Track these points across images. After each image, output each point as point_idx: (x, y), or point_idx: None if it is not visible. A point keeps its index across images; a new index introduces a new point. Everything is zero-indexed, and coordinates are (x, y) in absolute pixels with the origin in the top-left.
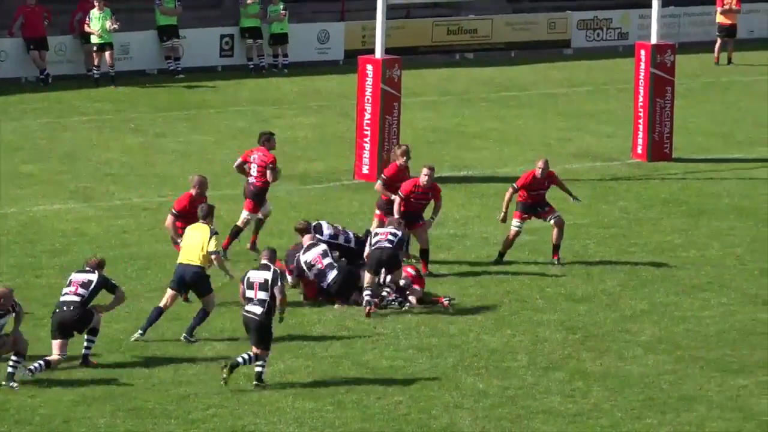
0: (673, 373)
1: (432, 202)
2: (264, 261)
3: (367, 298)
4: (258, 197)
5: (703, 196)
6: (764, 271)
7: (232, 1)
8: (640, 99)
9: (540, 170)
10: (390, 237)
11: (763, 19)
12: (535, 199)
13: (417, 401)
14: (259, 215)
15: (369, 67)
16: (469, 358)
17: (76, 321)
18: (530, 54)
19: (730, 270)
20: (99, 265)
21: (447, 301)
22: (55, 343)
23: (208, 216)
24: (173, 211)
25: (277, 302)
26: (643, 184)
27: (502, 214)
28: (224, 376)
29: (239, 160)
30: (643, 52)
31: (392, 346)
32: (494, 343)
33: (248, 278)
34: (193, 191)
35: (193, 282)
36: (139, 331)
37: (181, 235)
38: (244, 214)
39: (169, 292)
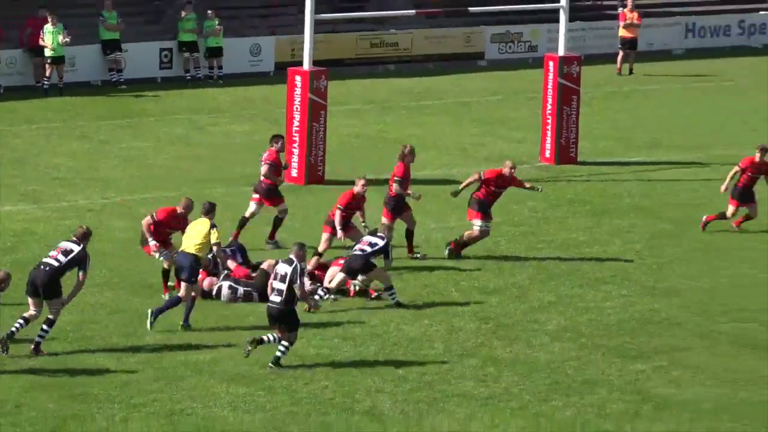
0: (577, 359)
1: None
2: (290, 256)
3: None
4: (263, 193)
5: (605, 197)
6: (661, 265)
7: (171, 17)
8: (548, 107)
9: (509, 169)
10: (365, 246)
11: (661, 33)
12: (496, 197)
13: (342, 386)
14: (276, 212)
15: (297, 78)
16: (390, 346)
17: (45, 284)
18: (447, 65)
19: (630, 264)
20: (84, 236)
21: (376, 294)
22: (30, 301)
23: (210, 212)
24: (154, 216)
25: (298, 295)
26: (551, 185)
27: (461, 188)
28: (248, 348)
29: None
30: (551, 64)
31: (319, 335)
32: (413, 333)
33: (276, 270)
34: (179, 209)
35: (183, 267)
36: (150, 318)
37: (152, 236)
38: (252, 206)
39: (180, 284)
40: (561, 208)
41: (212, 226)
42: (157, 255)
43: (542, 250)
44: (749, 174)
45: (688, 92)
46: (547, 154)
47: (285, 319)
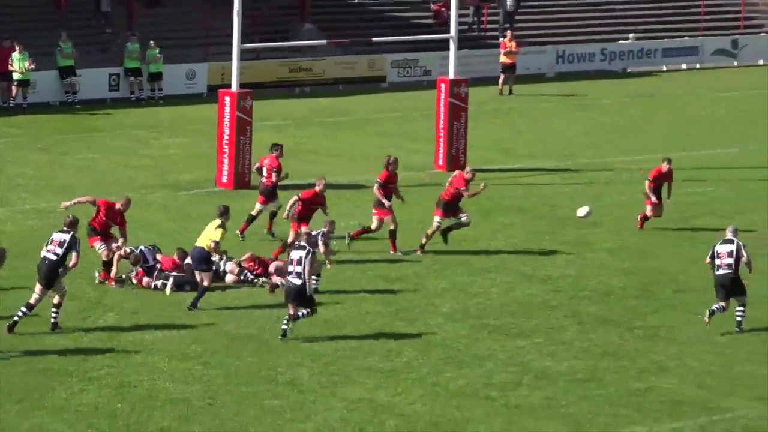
0: (467, 337)
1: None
2: (302, 243)
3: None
4: (267, 193)
5: (490, 198)
6: (537, 257)
7: (118, 47)
8: (441, 122)
9: (470, 174)
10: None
11: (536, 59)
12: (457, 200)
13: (267, 361)
14: (272, 207)
15: (227, 99)
16: (308, 327)
17: (47, 275)
18: (354, 87)
19: (511, 256)
20: (71, 224)
21: (267, 285)
22: (37, 288)
23: (223, 214)
24: (96, 202)
25: (305, 273)
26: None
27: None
28: (279, 337)
29: (257, 164)
30: (443, 86)
31: (247, 318)
32: (327, 315)
33: (291, 257)
34: (117, 205)
35: (198, 259)
36: (189, 306)
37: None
38: (258, 206)
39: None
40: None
41: (220, 225)
42: (96, 246)
43: (437, 245)
44: (656, 182)
45: (559, 109)
46: (440, 162)
47: (299, 298)
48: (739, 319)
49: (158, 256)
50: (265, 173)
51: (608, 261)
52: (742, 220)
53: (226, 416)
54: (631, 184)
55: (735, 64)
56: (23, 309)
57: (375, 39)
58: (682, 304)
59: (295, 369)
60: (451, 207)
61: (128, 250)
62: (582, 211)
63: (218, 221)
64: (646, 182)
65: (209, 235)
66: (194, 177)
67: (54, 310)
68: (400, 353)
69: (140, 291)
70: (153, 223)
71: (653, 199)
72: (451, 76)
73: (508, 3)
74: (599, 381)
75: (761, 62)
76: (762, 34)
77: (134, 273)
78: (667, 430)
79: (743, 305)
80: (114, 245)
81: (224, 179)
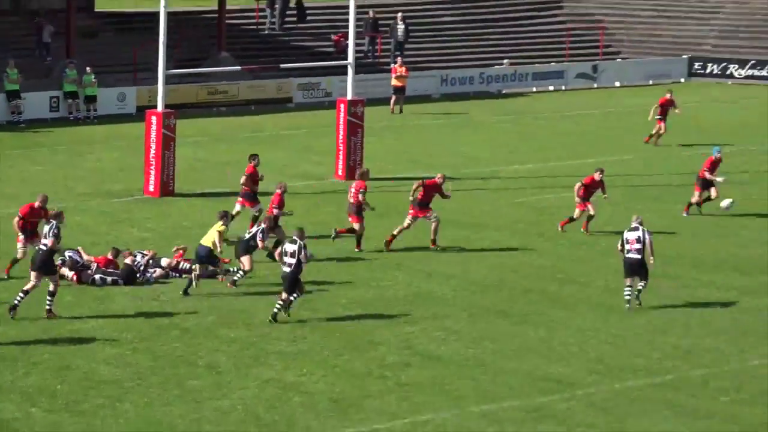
0: (364, 324)
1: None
2: (294, 237)
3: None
4: (244, 197)
5: (386, 203)
6: (428, 253)
7: (58, 73)
8: (340, 137)
9: (440, 179)
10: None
11: (423, 82)
12: (428, 200)
13: (189, 346)
14: (254, 211)
15: (153, 118)
16: (225, 316)
17: (42, 263)
18: (265, 107)
19: (407, 253)
20: (54, 216)
21: (221, 278)
22: (32, 274)
23: (223, 218)
24: (19, 214)
25: (303, 263)
26: (341, 196)
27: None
28: (269, 319)
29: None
30: (342, 106)
31: (172, 307)
32: (242, 306)
33: (284, 249)
34: (36, 203)
35: (202, 256)
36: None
37: (21, 230)
38: (237, 207)
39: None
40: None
41: (223, 224)
42: (18, 246)
43: (345, 244)
44: (589, 188)
45: (443, 126)
46: (340, 172)
47: (294, 282)
48: (636, 292)
49: (85, 256)
50: (242, 180)
51: (493, 258)
52: (601, 219)
53: (152, 395)
54: (507, 190)
55: (595, 86)
56: (20, 295)
57: (283, 65)
58: (550, 294)
59: (214, 354)
60: (425, 205)
61: (61, 261)
62: (726, 203)
63: (220, 223)
64: (578, 185)
65: (211, 235)
66: (125, 186)
67: (48, 297)
68: (305, 339)
69: (78, 287)
70: (89, 226)
71: (578, 200)
72: (349, 97)
73: (398, 33)
74: (478, 362)
75: (617, 84)
76: (618, 59)
77: (71, 276)
78: (536, 404)
79: (645, 283)
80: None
81: (151, 188)
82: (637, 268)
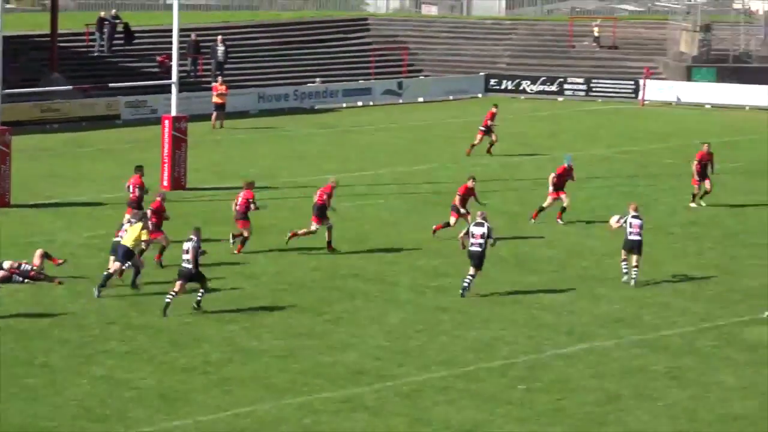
0: (189, 324)
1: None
2: (191, 236)
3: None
4: (131, 204)
5: (206, 211)
6: (245, 256)
7: None
8: (166, 151)
9: (334, 183)
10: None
11: (242, 99)
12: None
13: (24, 348)
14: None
15: None
16: (58, 318)
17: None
18: (95, 124)
19: (222, 257)
20: (134, 215)
21: (58, 281)
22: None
23: (142, 219)
24: None
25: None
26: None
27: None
28: (163, 308)
29: (127, 183)
30: (167, 122)
31: (8, 310)
32: (73, 309)
33: (183, 247)
34: None
35: (122, 254)
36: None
37: None
38: (126, 216)
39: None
40: (174, 220)
41: (143, 228)
42: None
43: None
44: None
45: (261, 139)
46: (165, 183)
47: (196, 276)
48: (466, 284)
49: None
50: (130, 190)
51: (302, 260)
52: (407, 224)
53: None
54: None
55: (400, 101)
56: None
57: (111, 84)
58: (361, 293)
59: (49, 354)
60: (323, 212)
61: None
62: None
63: (140, 224)
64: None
65: (133, 235)
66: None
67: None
68: (134, 338)
69: None
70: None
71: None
72: (174, 113)
73: (218, 54)
74: (295, 357)
75: (421, 99)
76: (421, 77)
77: None
78: (349, 394)
79: (478, 272)
80: None
81: None
82: (477, 259)
